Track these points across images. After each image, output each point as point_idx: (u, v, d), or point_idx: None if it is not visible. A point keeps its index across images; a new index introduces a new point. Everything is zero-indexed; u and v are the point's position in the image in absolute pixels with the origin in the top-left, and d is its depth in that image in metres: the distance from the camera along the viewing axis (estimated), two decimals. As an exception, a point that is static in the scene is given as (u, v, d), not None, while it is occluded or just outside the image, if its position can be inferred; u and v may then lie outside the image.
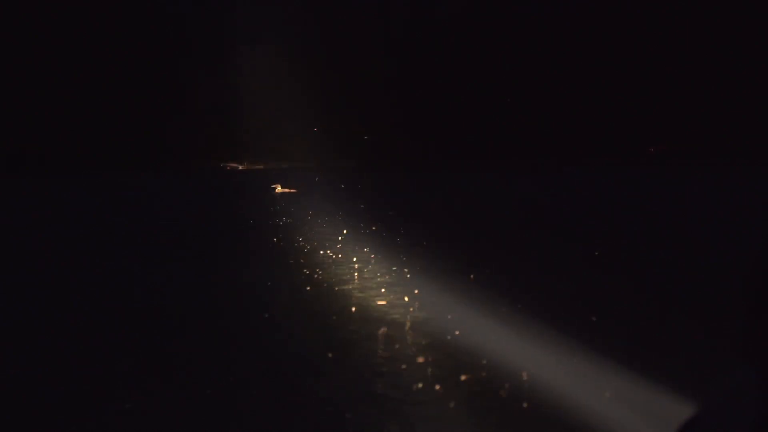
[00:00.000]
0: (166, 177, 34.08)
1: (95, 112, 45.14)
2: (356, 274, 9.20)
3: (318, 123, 42.93)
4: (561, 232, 13.53)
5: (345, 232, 13.16)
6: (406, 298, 7.77)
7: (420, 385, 5.18)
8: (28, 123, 42.80)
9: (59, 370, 5.68)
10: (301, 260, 10.29)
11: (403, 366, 5.62)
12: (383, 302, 7.59)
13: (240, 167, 45.85)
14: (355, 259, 10.26)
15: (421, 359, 5.74)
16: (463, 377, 5.28)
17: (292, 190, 23.60)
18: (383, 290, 7.98)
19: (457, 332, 6.19)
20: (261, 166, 45.47)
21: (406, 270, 8.99)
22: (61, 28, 45.61)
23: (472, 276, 8.55)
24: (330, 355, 5.92)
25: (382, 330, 6.44)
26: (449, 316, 6.77)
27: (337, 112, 44.06)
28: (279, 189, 23.70)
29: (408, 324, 6.88)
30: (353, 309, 7.17)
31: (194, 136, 44.46)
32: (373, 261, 10.04)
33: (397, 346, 6.07)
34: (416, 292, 7.86)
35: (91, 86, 45.59)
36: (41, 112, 43.99)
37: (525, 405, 4.73)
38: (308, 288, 8.29)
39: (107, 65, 45.17)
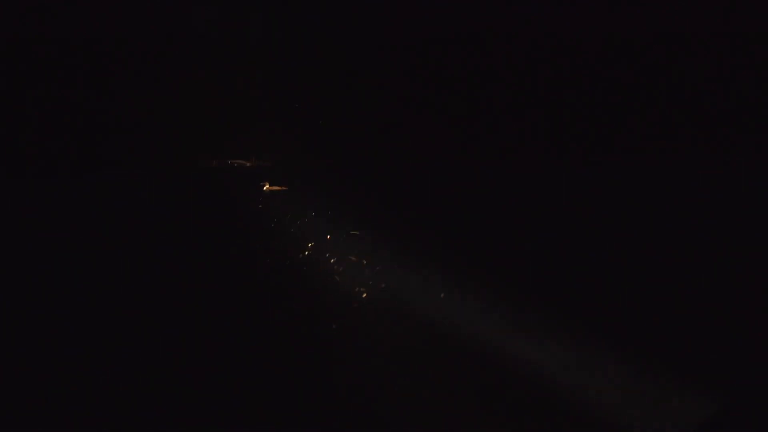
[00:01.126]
0: (169, 176, 33.79)
1: (93, 110, 44.67)
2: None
3: (325, 121, 42.49)
4: (564, 236, 13.32)
5: (328, 237, 11.93)
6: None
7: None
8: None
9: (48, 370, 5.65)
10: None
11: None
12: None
13: (248, 164, 45.51)
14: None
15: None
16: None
17: (282, 188, 23.01)
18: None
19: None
20: (269, 164, 45.27)
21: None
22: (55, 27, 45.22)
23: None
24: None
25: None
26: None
27: (342, 109, 43.62)
28: (268, 186, 23.13)
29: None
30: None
31: (201, 133, 44.13)
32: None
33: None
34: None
35: (88, 84, 45.12)
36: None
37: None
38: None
39: (105, 63, 44.70)
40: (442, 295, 7.69)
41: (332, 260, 9.74)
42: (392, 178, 9.67)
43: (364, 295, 7.93)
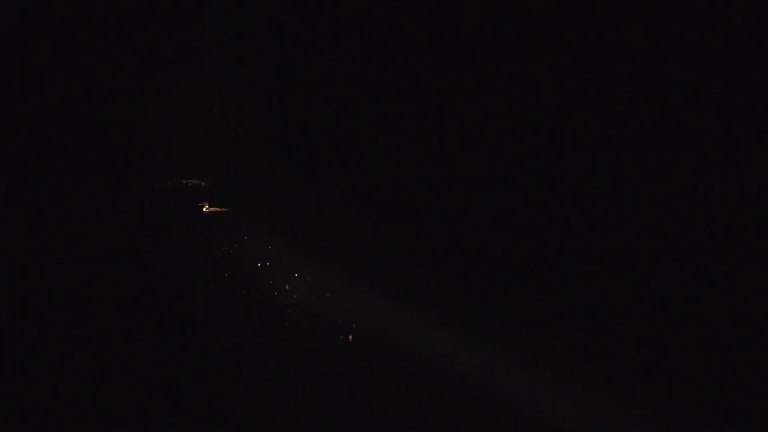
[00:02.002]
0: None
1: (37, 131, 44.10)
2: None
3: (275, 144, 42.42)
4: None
5: (268, 264, 11.47)
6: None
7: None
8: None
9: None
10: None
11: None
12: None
13: (203, 184, 45.25)
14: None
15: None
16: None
17: (222, 209, 22.68)
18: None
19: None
20: (227, 183, 45.20)
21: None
22: None
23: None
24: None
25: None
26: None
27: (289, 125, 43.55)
28: (207, 208, 22.76)
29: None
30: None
31: (159, 155, 43.76)
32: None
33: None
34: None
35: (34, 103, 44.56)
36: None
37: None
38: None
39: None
40: (389, 309, 7.64)
41: (269, 282, 9.51)
42: (335, 202, 9.55)
43: (305, 320, 7.82)
